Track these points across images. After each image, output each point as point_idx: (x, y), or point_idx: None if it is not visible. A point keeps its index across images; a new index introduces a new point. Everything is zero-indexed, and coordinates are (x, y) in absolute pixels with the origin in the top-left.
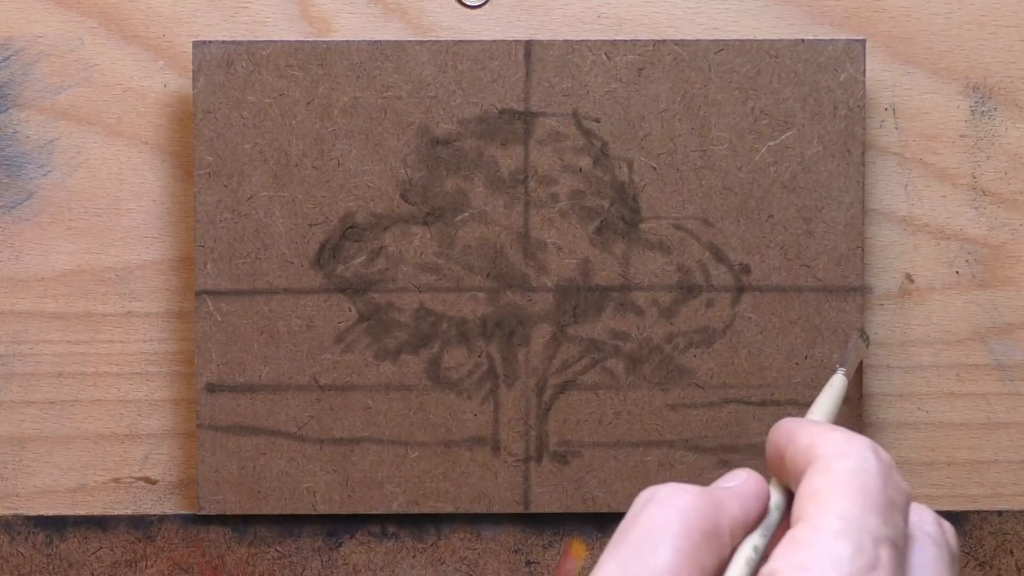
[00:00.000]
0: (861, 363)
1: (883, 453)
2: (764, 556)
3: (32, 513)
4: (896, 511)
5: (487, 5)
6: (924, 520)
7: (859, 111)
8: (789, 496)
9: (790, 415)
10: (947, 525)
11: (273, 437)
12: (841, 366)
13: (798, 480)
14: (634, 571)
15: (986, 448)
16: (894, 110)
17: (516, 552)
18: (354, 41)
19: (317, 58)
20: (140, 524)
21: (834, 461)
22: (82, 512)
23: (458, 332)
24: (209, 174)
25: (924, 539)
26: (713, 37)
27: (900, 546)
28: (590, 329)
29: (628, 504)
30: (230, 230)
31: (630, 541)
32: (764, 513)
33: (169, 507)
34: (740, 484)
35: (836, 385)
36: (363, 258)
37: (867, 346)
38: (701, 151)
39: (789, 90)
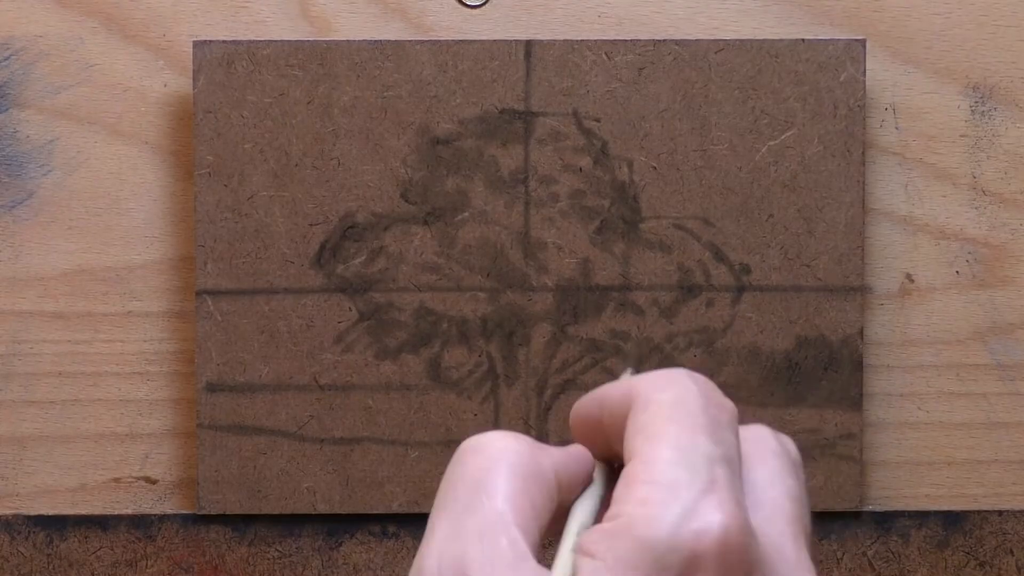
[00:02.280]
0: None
1: (700, 377)
2: (598, 520)
3: (32, 513)
4: (724, 429)
5: (487, 5)
6: (761, 435)
7: (859, 111)
8: (611, 471)
9: (790, 415)
10: (784, 436)
11: (273, 437)
12: (627, 368)
13: (621, 433)
14: (470, 525)
15: (986, 448)
16: (894, 110)
17: None
18: (354, 41)
19: (317, 58)
20: (140, 524)
21: (653, 394)
22: (82, 512)
23: (458, 332)
24: (209, 174)
25: (763, 452)
26: (713, 37)
27: (735, 462)
28: (590, 329)
29: None
30: (230, 230)
31: (458, 495)
32: (589, 478)
33: (169, 507)
34: (562, 447)
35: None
36: (363, 258)
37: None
38: (701, 151)
39: (789, 90)
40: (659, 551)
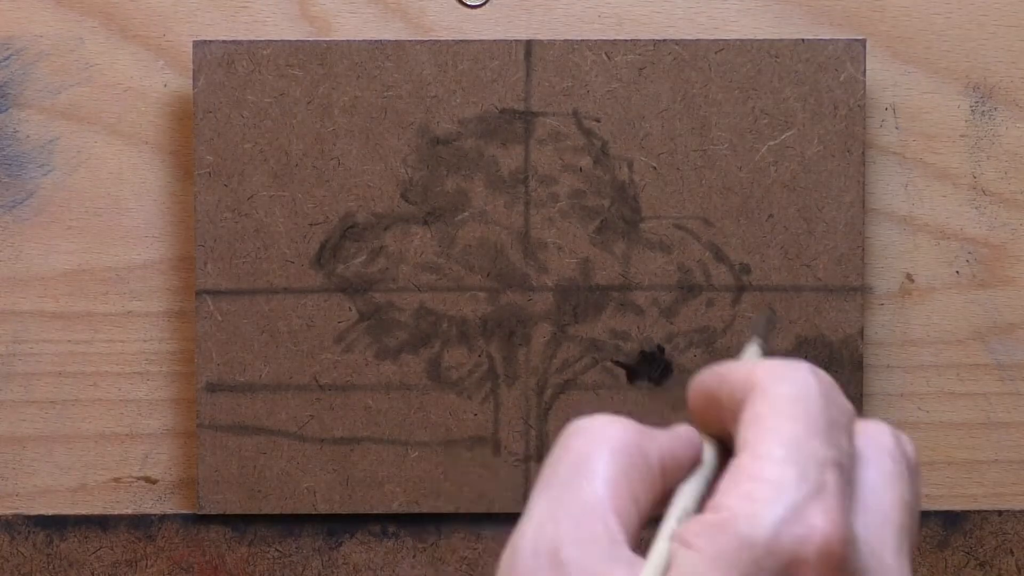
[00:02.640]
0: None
1: (823, 374)
2: (701, 507)
3: (32, 513)
4: (840, 431)
5: (487, 5)
6: (880, 432)
7: (859, 111)
8: (723, 451)
9: None
10: (904, 436)
11: (273, 437)
12: (756, 337)
13: (737, 415)
14: (567, 507)
15: (986, 448)
16: (894, 110)
17: None
18: (354, 41)
19: (317, 58)
20: (140, 524)
21: (773, 385)
22: (82, 512)
23: (458, 332)
24: (209, 174)
25: (878, 454)
26: (713, 37)
27: (847, 466)
28: (590, 329)
29: None
30: (230, 230)
31: (559, 476)
32: (697, 460)
33: (169, 507)
34: (670, 428)
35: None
36: (363, 258)
37: (774, 326)
38: (701, 151)
39: (789, 90)
40: (758, 551)
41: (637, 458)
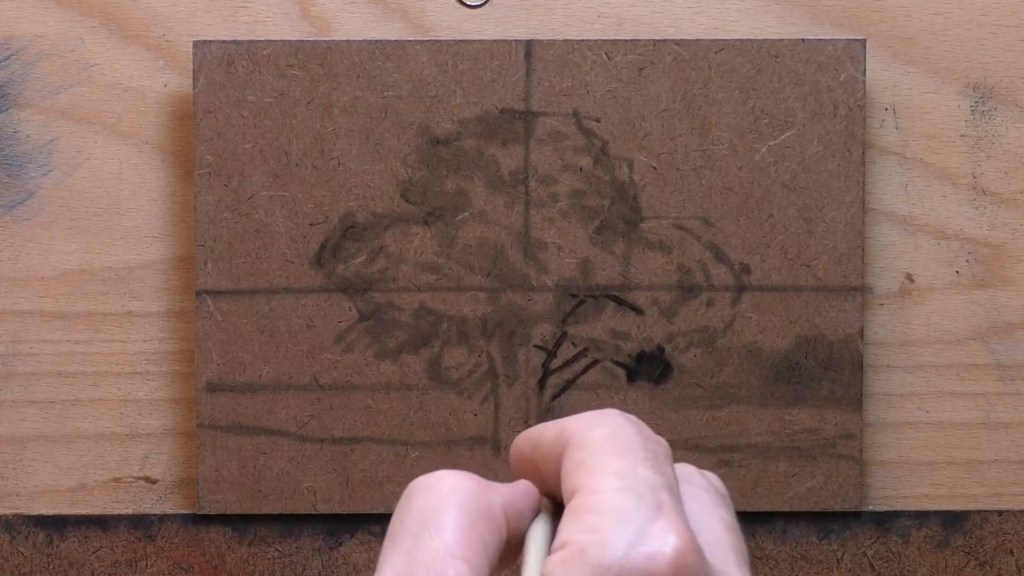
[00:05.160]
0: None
1: (630, 415)
2: (551, 542)
3: (32, 513)
4: (662, 461)
5: (487, 5)
6: (687, 472)
7: (859, 111)
8: (557, 505)
9: (790, 415)
10: (709, 473)
11: (273, 437)
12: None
13: (557, 472)
14: (420, 559)
15: (986, 448)
16: (894, 110)
17: None
18: (354, 41)
19: (317, 58)
20: (140, 524)
21: (588, 433)
22: (82, 512)
23: (458, 332)
24: (209, 174)
25: (692, 488)
26: (713, 37)
27: (676, 492)
28: (590, 329)
29: None
30: (230, 230)
31: (407, 531)
32: (536, 510)
33: (169, 507)
34: (509, 483)
35: None
36: (363, 258)
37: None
38: (701, 151)
39: (789, 90)
40: (612, 573)
41: (483, 507)
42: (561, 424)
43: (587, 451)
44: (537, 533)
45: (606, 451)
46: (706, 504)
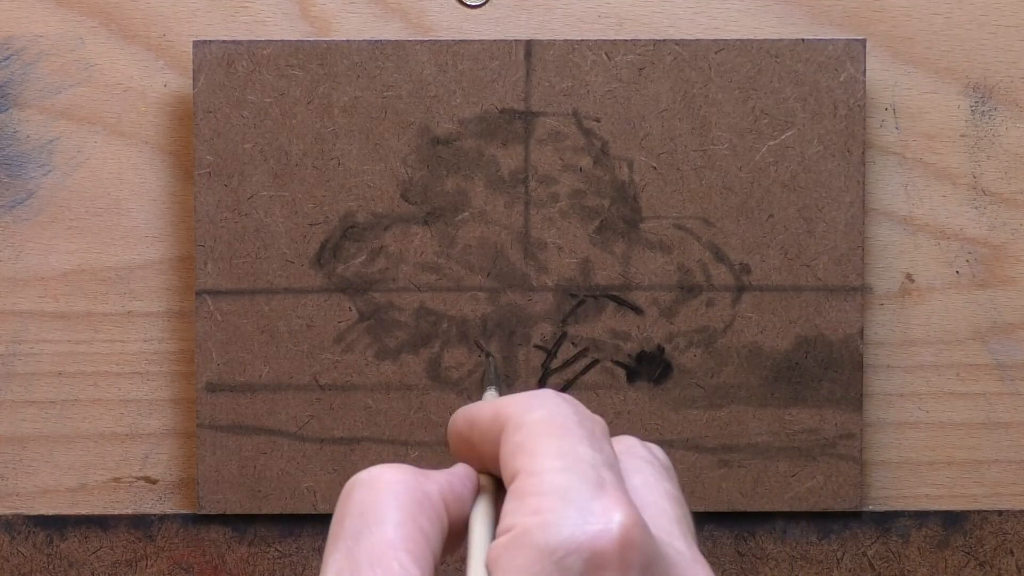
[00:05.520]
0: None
1: (565, 395)
2: (495, 523)
3: (32, 513)
4: (601, 439)
5: (487, 5)
6: (630, 445)
7: (859, 111)
8: (497, 483)
9: (790, 415)
10: (652, 445)
11: (273, 437)
12: (491, 386)
13: (494, 454)
14: (361, 556)
15: (986, 448)
16: (894, 110)
17: None
18: (354, 41)
19: (317, 58)
20: (140, 524)
21: (525, 415)
22: (82, 512)
23: (458, 332)
24: (209, 174)
25: (636, 461)
26: (713, 37)
27: (616, 468)
28: (590, 329)
29: None
30: (230, 230)
31: (347, 529)
32: (475, 491)
33: (169, 507)
34: (447, 469)
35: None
36: (363, 258)
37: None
38: (701, 151)
39: (789, 90)
40: (559, 555)
41: (420, 498)
42: (497, 405)
43: (525, 433)
44: (480, 517)
45: (544, 432)
46: (649, 477)
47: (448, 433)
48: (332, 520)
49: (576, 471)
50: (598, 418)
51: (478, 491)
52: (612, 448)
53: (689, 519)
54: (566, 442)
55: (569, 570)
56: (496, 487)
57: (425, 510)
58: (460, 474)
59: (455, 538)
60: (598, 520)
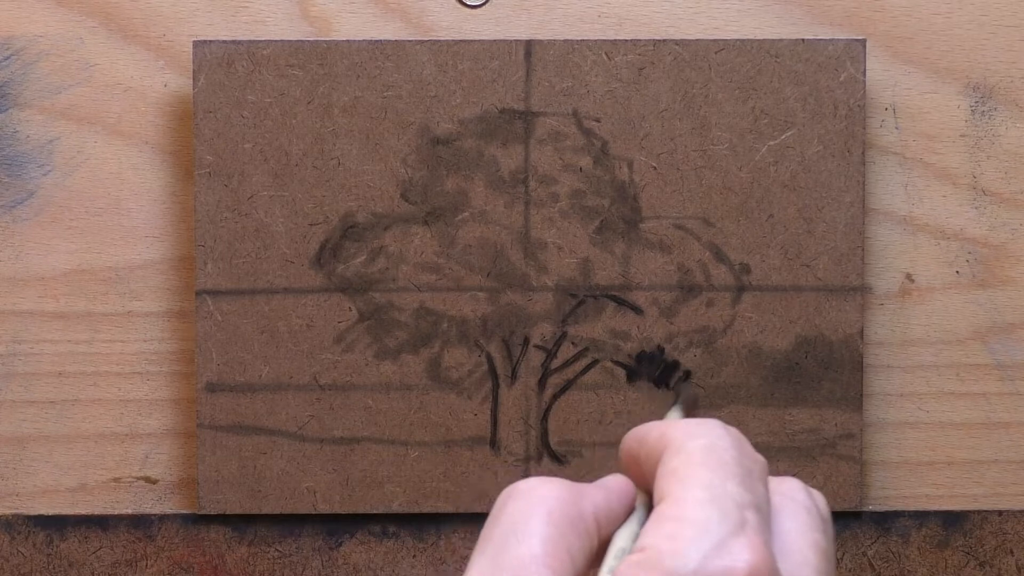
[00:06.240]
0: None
1: (733, 429)
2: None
3: (32, 513)
4: (755, 479)
5: (487, 5)
6: (792, 488)
7: (859, 111)
8: (652, 499)
9: (790, 415)
10: (816, 493)
11: (273, 437)
12: (676, 407)
13: (655, 474)
14: (504, 564)
15: (986, 448)
16: (894, 110)
17: None
18: (354, 41)
19: (317, 58)
20: (140, 524)
21: (686, 442)
22: (82, 512)
23: (458, 332)
24: (209, 174)
25: (793, 505)
26: (713, 37)
27: (764, 511)
28: (590, 329)
29: None
30: (230, 230)
31: (495, 537)
32: (631, 509)
33: (169, 507)
34: (603, 480)
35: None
36: (363, 258)
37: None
38: (701, 151)
39: (789, 90)
40: None
41: (573, 515)
42: (664, 427)
43: (682, 459)
44: (625, 531)
45: (700, 462)
46: (802, 525)
47: (621, 447)
48: (484, 524)
49: (720, 506)
50: (760, 458)
51: (632, 507)
52: (766, 491)
53: (832, 573)
54: (718, 475)
55: None
56: (650, 506)
57: (576, 527)
58: (616, 489)
59: (603, 557)
60: (728, 557)
